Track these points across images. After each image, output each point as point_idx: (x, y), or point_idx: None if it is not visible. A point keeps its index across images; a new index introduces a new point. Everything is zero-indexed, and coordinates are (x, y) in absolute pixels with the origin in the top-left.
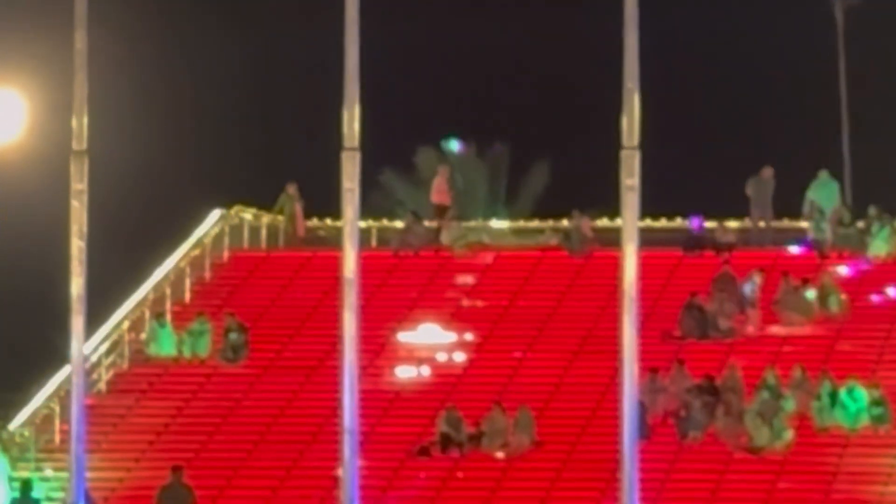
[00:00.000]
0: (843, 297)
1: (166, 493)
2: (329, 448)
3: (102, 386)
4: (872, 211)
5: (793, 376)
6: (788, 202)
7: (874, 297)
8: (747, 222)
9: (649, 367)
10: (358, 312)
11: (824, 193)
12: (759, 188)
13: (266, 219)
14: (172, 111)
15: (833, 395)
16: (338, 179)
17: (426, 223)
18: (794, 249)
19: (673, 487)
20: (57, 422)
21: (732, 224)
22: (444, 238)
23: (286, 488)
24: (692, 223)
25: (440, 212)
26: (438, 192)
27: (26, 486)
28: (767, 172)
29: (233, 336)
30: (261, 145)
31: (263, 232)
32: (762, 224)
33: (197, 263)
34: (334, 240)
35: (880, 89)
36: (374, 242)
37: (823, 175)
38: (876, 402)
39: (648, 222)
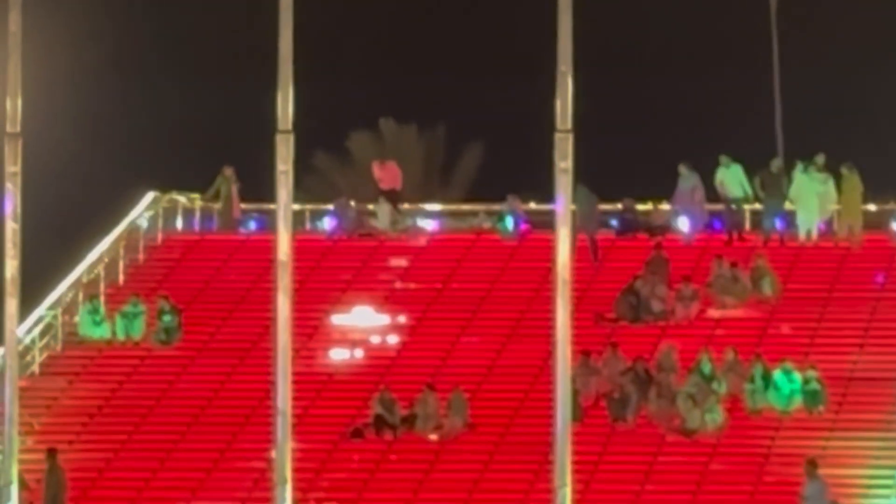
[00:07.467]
0: (777, 279)
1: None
2: (262, 430)
3: (35, 368)
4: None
5: (725, 359)
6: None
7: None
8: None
9: (582, 350)
10: (291, 295)
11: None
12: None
13: (200, 201)
14: (106, 93)
15: (766, 378)
16: (272, 162)
17: (371, 206)
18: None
19: (606, 469)
20: None
21: (665, 207)
22: (381, 222)
23: (219, 470)
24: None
25: (391, 197)
26: (387, 177)
27: None
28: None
29: (166, 318)
30: (195, 128)
31: (197, 214)
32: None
33: (131, 246)
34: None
35: (813, 72)
36: (307, 225)
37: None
38: (809, 383)
39: None
